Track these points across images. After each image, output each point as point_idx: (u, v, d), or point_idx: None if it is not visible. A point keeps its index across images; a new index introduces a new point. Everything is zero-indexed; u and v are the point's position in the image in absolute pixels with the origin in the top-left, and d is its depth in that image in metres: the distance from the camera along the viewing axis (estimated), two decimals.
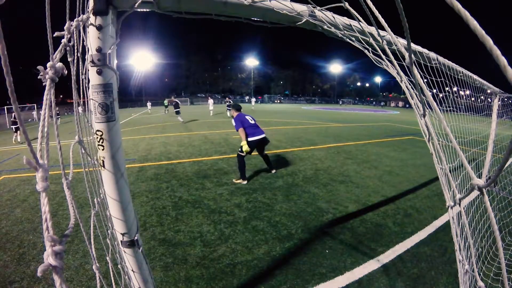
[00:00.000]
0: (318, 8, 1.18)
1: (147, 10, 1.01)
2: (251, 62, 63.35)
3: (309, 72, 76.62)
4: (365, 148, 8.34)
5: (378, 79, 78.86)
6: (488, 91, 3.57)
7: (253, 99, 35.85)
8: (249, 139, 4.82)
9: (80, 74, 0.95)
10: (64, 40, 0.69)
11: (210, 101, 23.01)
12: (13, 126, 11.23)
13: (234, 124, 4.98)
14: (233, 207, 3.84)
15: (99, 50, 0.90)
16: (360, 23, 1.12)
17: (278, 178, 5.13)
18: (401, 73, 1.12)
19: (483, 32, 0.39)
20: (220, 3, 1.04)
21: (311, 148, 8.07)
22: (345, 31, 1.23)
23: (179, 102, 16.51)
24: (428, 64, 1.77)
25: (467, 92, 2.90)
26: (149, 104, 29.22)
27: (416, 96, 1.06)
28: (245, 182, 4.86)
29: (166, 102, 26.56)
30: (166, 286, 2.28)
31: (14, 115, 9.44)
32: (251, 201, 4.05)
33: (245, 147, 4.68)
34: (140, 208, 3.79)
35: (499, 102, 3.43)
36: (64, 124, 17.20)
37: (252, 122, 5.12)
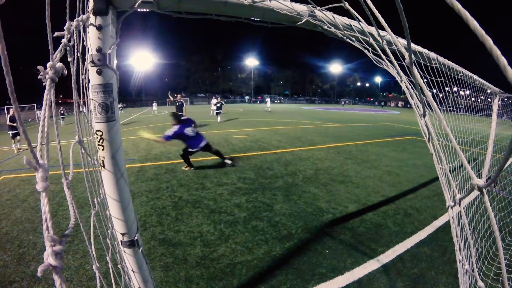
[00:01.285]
0: (318, 8, 1.18)
1: (147, 10, 1.01)
2: (251, 62, 63.35)
3: (309, 72, 76.62)
4: (365, 148, 8.34)
5: (378, 79, 78.91)
6: (488, 91, 3.57)
7: (268, 99, 30.24)
8: (190, 150, 5.31)
9: (80, 74, 0.95)
10: (64, 40, 0.69)
11: (213, 100, 22.61)
12: (11, 132, 8.84)
13: (169, 133, 4.97)
14: (233, 207, 3.84)
15: (99, 50, 0.90)
16: (360, 23, 1.11)
17: (278, 178, 5.13)
18: (401, 73, 1.12)
19: (483, 32, 0.39)
20: (220, 3, 1.04)
21: (311, 148, 8.07)
22: (345, 31, 1.23)
23: (183, 103, 11.77)
24: (428, 64, 1.77)
25: (467, 92, 2.90)
26: (154, 104, 28.55)
27: (416, 96, 1.06)
28: (192, 168, 5.47)
29: None
30: (166, 286, 2.28)
31: (10, 117, 8.69)
32: (251, 201, 4.05)
33: (144, 135, 4.83)
34: (140, 208, 3.79)
35: (499, 102, 3.43)
36: (68, 125, 17.20)
37: (192, 134, 5.25)
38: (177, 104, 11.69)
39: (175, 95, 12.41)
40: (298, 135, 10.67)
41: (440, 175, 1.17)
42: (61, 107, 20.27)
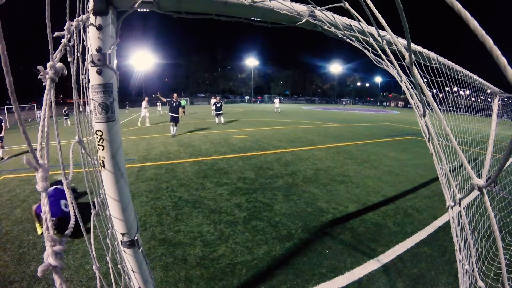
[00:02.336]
0: (318, 8, 1.18)
1: (147, 10, 1.01)
2: (251, 62, 63.36)
3: (309, 72, 76.60)
4: (365, 148, 8.34)
5: (378, 79, 78.93)
6: (488, 91, 3.57)
7: (277, 99, 27.40)
8: None
9: (80, 74, 0.95)
10: (64, 40, 0.69)
11: (213, 100, 22.16)
12: None
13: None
14: (233, 207, 3.84)
15: (99, 50, 0.90)
16: (360, 23, 1.11)
17: (278, 178, 5.13)
18: (401, 73, 1.12)
19: (483, 32, 0.39)
20: (220, 3, 1.03)
21: (311, 148, 8.07)
22: (345, 31, 1.23)
23: (180, 104, 10.92)
24: (428, 64, 1.77)
25: (467, 92, 2.90)
26: (159, 104, 28.10)
27: (416, 96, 1.06)
28: None
29: (183, 101, 25.14)
30: (166, 286, 2.28)
31: None
32: (251, 201, 4.05)
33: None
34: (140, 208, 3.79)
35: (499, 102, 3.43)
36: (74, 125, 17.17)
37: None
38: (174, 104, 10.50)
39: (173, 94, 11.46)
40: (298, 135, 10.67)
41: (440, 175, 1.17)
42: (66, 107, 19.78)
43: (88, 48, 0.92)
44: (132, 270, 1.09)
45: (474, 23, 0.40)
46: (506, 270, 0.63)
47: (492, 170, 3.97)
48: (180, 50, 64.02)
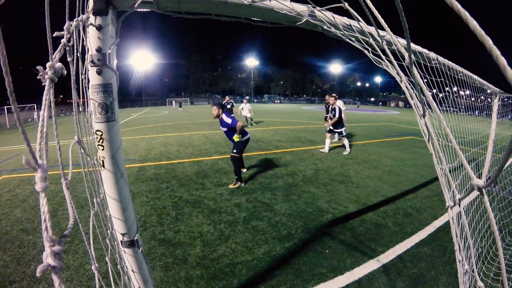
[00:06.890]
0: (318, 8, 1.18)
1: (147, 10, 1.01)
2: (251, 62, 63.43)
3: (309, 72, 76.71)
4: (365, 148, 8.33)
5: (378, 79, 78.98)
6: (488, 91, 3.57)
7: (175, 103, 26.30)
8: (243, 138, 4.76)
9: (80, 74, 0.95)
10: (63, 40, 0.69)
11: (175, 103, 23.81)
12: None
13: (229, 121, 4.55)
14: (233, 207, 3.84)
15: (99, 50, 0.90)
16: (360, 23, 1.11)
17: (278, 178, 5.13)
18: (401, 73, 1.12)
19: (483, 32, 0.39)
20: (220, 3, 1.03)
21: (311, 148, 8.06)
22: (345, 31, 1.23)
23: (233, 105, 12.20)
24: (428, 64, 1.77)
25: (467, 92, 2.90)
26: (178, 103, 30.91)
27: (416, 96, 1.06)
28: (242, 184, 4.75)
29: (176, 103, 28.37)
30: (166, 286, 2.28)
31: None
32: (251, 201, 4.04)
33: (237, 138, 4.62)
34: (140, 208, 3.79)
35: (499, 102, 3.43)
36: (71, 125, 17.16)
37: None
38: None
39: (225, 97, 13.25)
40: (298, 135, 10.67)
41: (440, 175, 1.17)
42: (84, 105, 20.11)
43: (88, 48, 0.92)
44: (132, 270, 1.09)
45: (474, 23, 0.40)
46: (506, 270, 0.63)
47: (492, 170, 3.97)
48: (180, 50, 64.04)
